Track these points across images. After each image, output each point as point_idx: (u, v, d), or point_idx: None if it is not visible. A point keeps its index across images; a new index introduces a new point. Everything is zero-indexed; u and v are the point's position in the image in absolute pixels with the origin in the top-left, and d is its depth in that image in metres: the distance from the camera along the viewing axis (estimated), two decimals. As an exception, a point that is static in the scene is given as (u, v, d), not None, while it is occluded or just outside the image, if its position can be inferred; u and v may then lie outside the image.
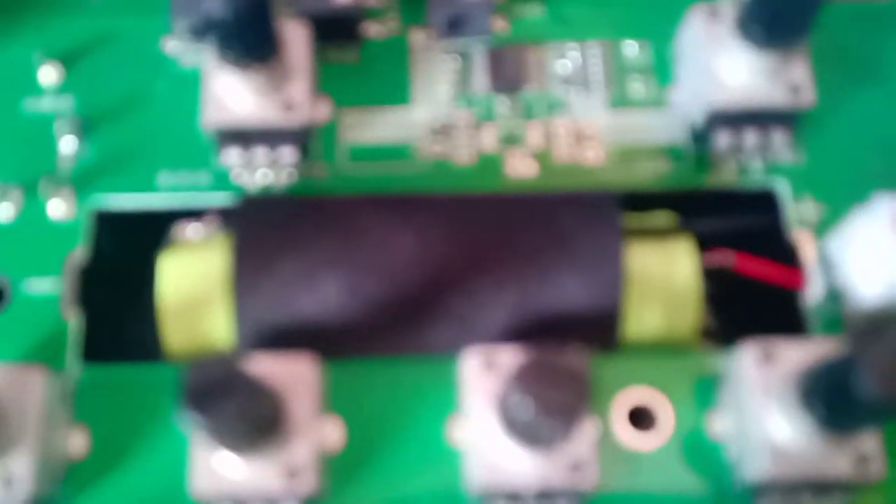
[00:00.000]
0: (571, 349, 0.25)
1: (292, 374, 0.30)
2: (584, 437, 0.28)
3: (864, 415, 0.25)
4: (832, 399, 0.26)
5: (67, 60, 0.38)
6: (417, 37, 0.39)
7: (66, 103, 0.38)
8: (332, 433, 0.32)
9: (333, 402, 0.32)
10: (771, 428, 0.29)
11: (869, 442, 0.28)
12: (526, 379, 0.24)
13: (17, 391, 0.30)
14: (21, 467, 0.29)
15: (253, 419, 0.25)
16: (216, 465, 0.29)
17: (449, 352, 0.33)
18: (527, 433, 0.26)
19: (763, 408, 0.29)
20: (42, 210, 0.36)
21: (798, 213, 0.36)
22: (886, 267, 0.31)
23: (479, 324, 0.33)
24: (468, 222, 0.33)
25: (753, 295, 0.36)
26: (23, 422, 0.30)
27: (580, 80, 0.38)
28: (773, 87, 0.34)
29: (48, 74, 0.38)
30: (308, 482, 0.29)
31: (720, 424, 0.32)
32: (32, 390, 0.30)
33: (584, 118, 0.38)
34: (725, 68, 0.34)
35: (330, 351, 0.32)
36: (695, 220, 0.35)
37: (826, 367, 0.26)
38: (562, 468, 0.28)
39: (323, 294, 0.32)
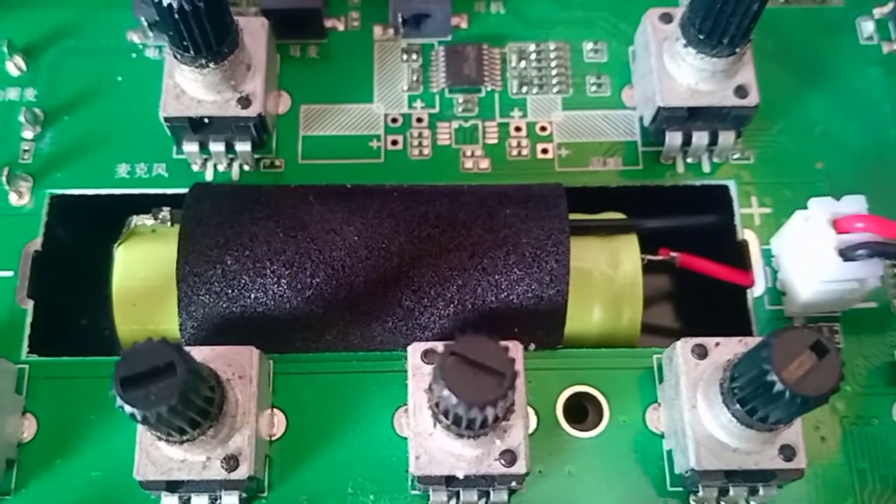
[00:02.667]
0: (496, 341, 0.26)
1: (233, 365, 0.30)
2: (516, 426, 0.29)
3: (776, 407, 0.26)
4: (747, 390, 0.27)
5: (30, 52, 0.39)
6: (379, 31, 0.40)
7: (28, 94, 0.38)
8: (275, 425, 0.33)
9: (277, 395, 0.33)
10: (702, 421, 0.29)
11: (792, 434, 0.29)
12: (448, 370, 0.25)
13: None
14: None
15: (185, 405, 0.26)
16: (161, 450, 0.29)
17: (396, 347, 0.33)
18: (454, 422, 0.27)
19: (694, 402, 0.30)
20: (3, 199, 0.36)
21: (746, 211, 0.36)
22: (820, 270, 0.32)
23: (425, 319, 0.33)
24: (414, 215, 0.33)
25: (706, 288, 0.37)
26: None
27: (541, 77, 0.39)
28: (720, 89, 0.35)
29: (11, 66, 0.39)
30: (246, 470, 0.30)
31: (658, 418, 0.33)
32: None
33: (539, 117, 0.38)
34: (674, 69, 0.35)
35: (277, 345, 0.33)
36: (645, 217, 0.36)
37: (738, 362, 0.27)
38: (494, 456, 0.29)
39: (268, 287, 0.33)
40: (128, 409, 0.25)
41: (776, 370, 0.25)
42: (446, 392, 0.25)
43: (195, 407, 0.27)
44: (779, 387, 0.25)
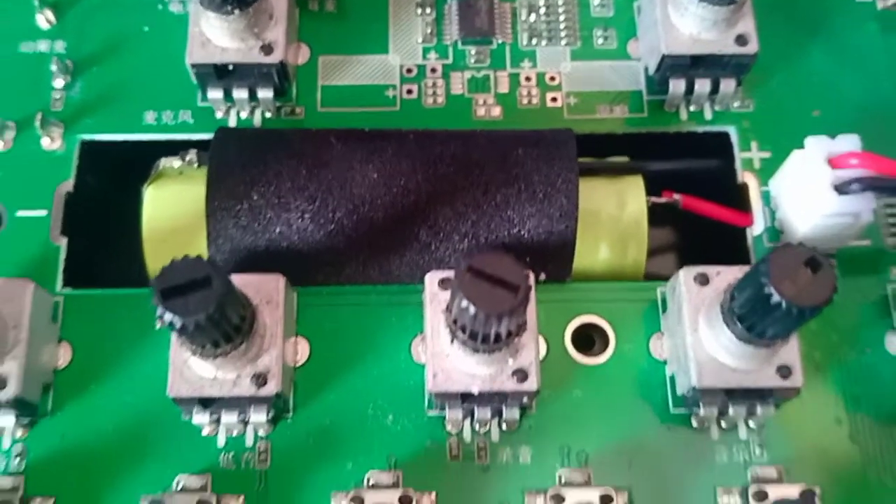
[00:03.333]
0: (511, 257, 0.27)
1: (261, 292, 0.32)
2: (527, 347, 0.31)
3: (774, 319, 0.27)
4: (746, 307, 0.28)
5: (59, 5, 0.40)
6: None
7: (57, 46, 0.40)
8: (298, 352, 0.35)
9: (301, 324, 0.35)
10: (703, 343, 0.31)
11: (789, 354, 0.31)
12: (466, 284, 0.27)
13: (8, 302, 0.33)
14: (11, 370, 0.32)
15: (221, 316, 0.28)
16: (193, 369, 0.31)
17: (413, 280, 0.35)
18: (471, 336, 0.29)
19: (696, 325, 0.31)
20: (35, 143, 0.38)
21: (746, 155, 0.38)
22: (817, 205, 0.33)
23: (440, 252, 0.35)
24: (430, 155, 0.35)
25: (708, 232, 0.38)
26: (13, 329, 0.32)
27: (550, 29, 0.41)
28: (721, 37, 0.36)
29: (41, 19, 0.41)
30: (274, 387, 0.31)
31: (661, 346, 0.34)
32: (22, 301, 0.33)
33: (548, 67, 0.40)
34: (678, 19, 0.37)
35: (300, 277, 0.35)
36: (650, 161, 0.38)
37: (738, 282, 0.29)
38: (507, 374, 0.31)
39: (292, 221, 0.34)
40: (168, 317, 0.27)
41: (774, 284, 0.27)
42: (465, 303, 0.27)
43: (229, 320, 0.28)
44: (776, 299, 0.26)
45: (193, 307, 0.26)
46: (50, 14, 0.40)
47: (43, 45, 0.40)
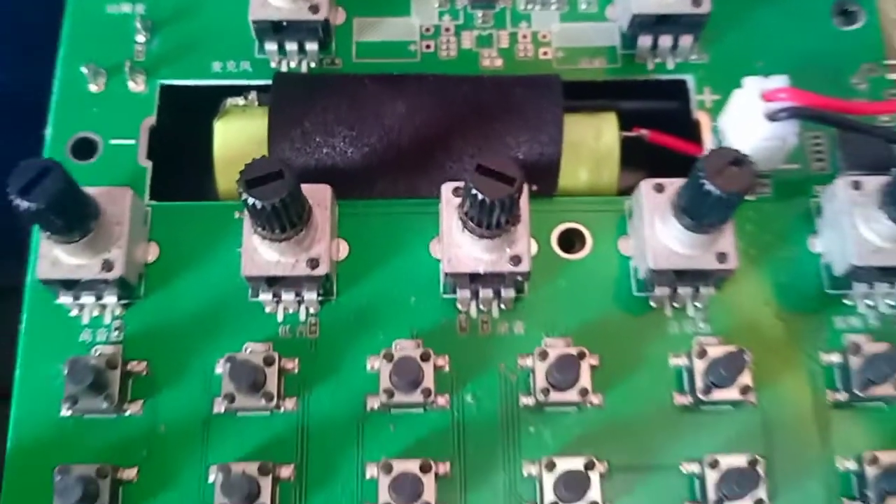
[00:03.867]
0: (509, 160, 0.36)
1: (315, 196, 0.41)
2: (521, 238, 0.39)
3: (709, 207, 0.36)
4: (688, 200, 0.37)
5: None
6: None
7: (138, 8, 0.49)
8: (340, 251, 0.43)
9: (341, 229, 0.44)
10: (657, 234, 0.40)
11: (725, 242, 0.39)
12: (476, 178, 0.35)
13: (112, 204, 0.41)
14: (116, 256, 0.41)
15: (292, 201, 0.36)
16: (261, 255, 0.40)
17: (430, 195, 0.43)
18: (477, 223, 0.37)
19: (653, 223, 0.40)
20: (123, 86, 0.47)
21: (700, 98, 0.47)
22: (752, 132, 0.42)
23: (453, 172, 0.44)
24: (446, 93, 0.44)
25: (669, 160, 0.47)
26: (116, 225, 0.41)
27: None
28: (680, 1, 0.45)
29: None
30: (324, 269, 0.40)
31: (628, 245, 0.43)
32: (123, 203, 0.41)
33: (541, 27, 0.49)
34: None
35: (340, 192, 0.43)
36: (622, 102, 0.47)
37: (685, 182, 0.37)
38: (505, 259, 0.39)
39: (335, 145, 0.43)
40: (251, 200, 0.35)
41: (707, 177, 0.35)
42: (474, 191, 0.35)
43: (295, 208, 0.37)
44: (708, 187, 0.35)
45: (271, 193, 0.35)
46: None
47: (126, 7, 0.49)
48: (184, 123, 0.47)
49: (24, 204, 0.37)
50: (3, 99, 0.48)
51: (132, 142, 0.46)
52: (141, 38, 0.48)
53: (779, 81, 0.42)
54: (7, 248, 0.45)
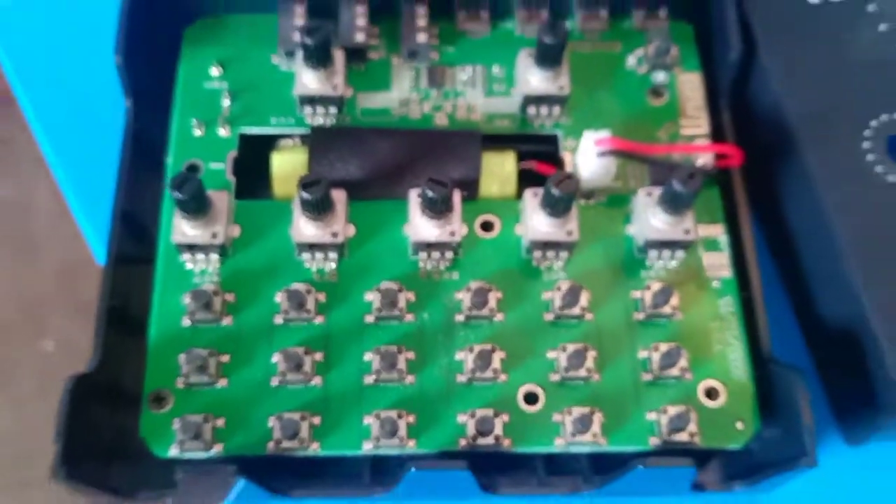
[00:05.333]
0: (447, 177, 0.65)
1: (336, 196, 0.70)
2: (455, 220, 0.68)
3: (555, 202, 0.66)
4: (547, 200, 0.67)
5: (225, 64, 0.79)
6: (395, 59, 0.80)
7: (224, 86, 0.78)
8: (350, 230, 0.72)
9: (351, 216, 0.73)
10: (533, 220, 0.69)
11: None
12: (429, 184, 0.65)
13: (218, 199, 0.70)
14: (219, 230, 0.69)
15: (322, 200, 0.65)
16: (301, 228, 0.69)
17: (405, 196, 0.72)
18: (430, 208, 0.66)
19: (532, 213, 0.69)
20: (216, 132, 0.76)
21: (566, 144, 0.77)
22: (591, 163, 0.72)
23: (416, 182, 0.73)
24: (412, 140, 0.73)
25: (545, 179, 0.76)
26: (219, 212, 0.70)
27: (473, 82, 0.79)
28: (549, 85, 0.75)
29: (215, 71, 0.78)
30: (341, 238, 0.69)
31: (521, 228, 0.72)
32: (223, 200, 0.70)
33: (472, 101, 0.78)
34: (528, 82, 0.75)
35: (352, 195, 0.72)
36: (519, 145, 0.76)
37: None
38: (446, 233, 0.68)
39: (350, 166, 0.72)
40: (304, 195, 0.64)
41: (553, 186, 0.65)
42: (428, 192, 0.65)
43: (326, 202, 0.66)
44: (553, 191, 0.65)
45: (314, 191, 0.64)
46: (218, 69, 0.78)
47: (216, 84, 0.78)
48: (253, 156, 0.77)
49: (176, 194, 0.66)
50: (144, 139, 0.76)
51: (222, 166, 0.75)
52: (226, 102, 0.77)
53: (605, 133, 0.72)
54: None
